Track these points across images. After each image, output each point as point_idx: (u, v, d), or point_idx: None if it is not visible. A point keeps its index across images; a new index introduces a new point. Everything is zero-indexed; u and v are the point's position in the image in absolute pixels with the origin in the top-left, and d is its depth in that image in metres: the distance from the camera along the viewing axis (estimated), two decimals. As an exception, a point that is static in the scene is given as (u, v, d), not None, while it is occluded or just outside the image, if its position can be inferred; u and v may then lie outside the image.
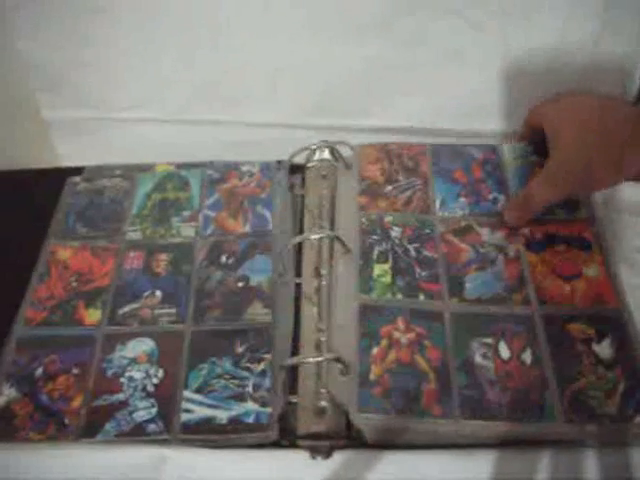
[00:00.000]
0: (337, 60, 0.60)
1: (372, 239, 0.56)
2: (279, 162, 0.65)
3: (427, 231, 0.57)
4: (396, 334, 0.49)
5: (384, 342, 0.49)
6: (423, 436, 0.46)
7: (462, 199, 0.59)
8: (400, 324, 0.50)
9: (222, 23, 0.59)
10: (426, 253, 0.55)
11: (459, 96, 0.63)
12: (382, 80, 0.62)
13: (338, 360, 0.47)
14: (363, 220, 0.58)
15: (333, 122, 0.65)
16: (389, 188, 0.61)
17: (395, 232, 0.57)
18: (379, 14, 0.57)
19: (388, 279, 0.53)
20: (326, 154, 0.64)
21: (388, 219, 0.58)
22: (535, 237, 0.55)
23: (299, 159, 0.64)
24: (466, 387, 0.47)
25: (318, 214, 0.61)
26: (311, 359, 0.48)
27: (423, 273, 0.54)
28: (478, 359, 0.48)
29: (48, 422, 0.47)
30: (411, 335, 0.49)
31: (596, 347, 0.48)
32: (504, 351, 0.48)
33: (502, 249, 0.55)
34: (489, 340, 0.49)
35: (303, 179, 0.65)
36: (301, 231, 0.60)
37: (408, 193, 0.60)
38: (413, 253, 0.55)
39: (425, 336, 0.49)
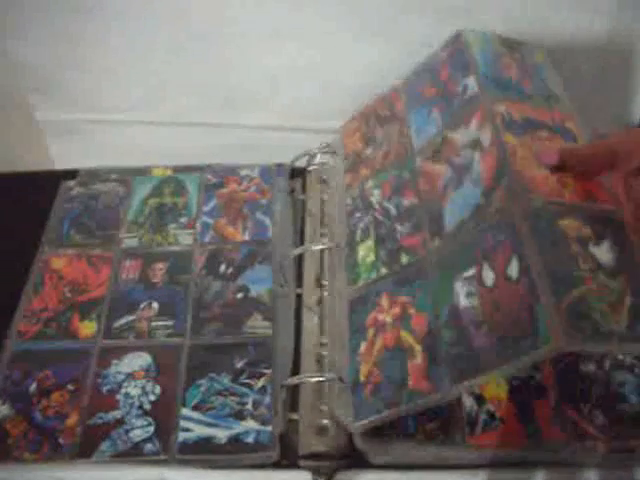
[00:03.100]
0: (339, 63, 0.59)
1: (356, 218, 0.54)
2: (279, 165, 0.64)
3: (405, 175, 0.53)
4: (380, 316, 0.47)
5: (371, 332, 0.47)
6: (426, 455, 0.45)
7: (434, 114, 0.54)
8: (384, 302, 0.48)
9: (221, 24, 0.57)
10: (405, 202, 0.52)
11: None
12: (384, 83, 0.60)
13: (339, 380, 0.46)
14: (348, 201, 0.56)
15: (334, 125, 0.63)
16: (369, 151, 0.58)
17: (375, 197, 0.54)
18: (382, 17, 0.55)
19: (372, 256, 0.51)
20: (327, 158, 0.63)
21: (369, 185, 0.56)
22: (513, 118, 0.48)
23: (299, 162, 0.63)
24: (453, 344, 0.41)
25: (320, 220, 0.59)
26: (312, 379, 0.47)
27: (404, 229, 0.51)
28: (463, 302, 0.42)
29: (42, 441, 0.46)
30: (395, 310, 0.46)
31: (594, 249, 0.39)
32: (488, 276, 0.41)
33: (477, 143, 0.48)
34: (472, 271, 0.42)
35: (304, 183, 0.63)
36: (302, 237, 0.58)
37: (385, 147, 0.57)
38: (393, 211, 0.52)
39: (410, 304, 0.46)
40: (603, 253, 0.39)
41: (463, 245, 0.45)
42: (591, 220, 0.40)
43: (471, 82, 0.52)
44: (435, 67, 0.57)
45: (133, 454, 0.45)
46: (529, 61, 0.55)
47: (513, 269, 0.39)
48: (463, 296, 0.42)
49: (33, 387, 0.49)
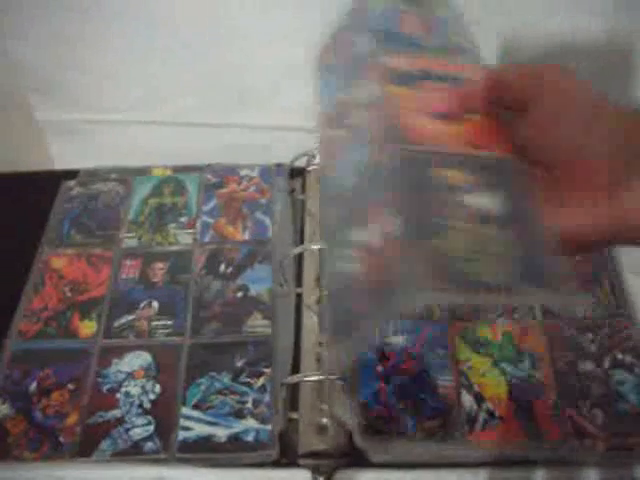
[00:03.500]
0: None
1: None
2: (278, 165, 0.64)
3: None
4: None
5: None
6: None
7: (331, 79, 0.49)
8: None
9: (222, 24, 0.57)
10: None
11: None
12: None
13: (339, 378, 0.46)
14: None
15: (334, 125, 0.63)
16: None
17: None
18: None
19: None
20: (327, 158, 0.63)
21: None
22: (403, 71, 0.43)
23: (299, 162, 0.63)
24: (338, 314, 0.37)
25: (319, 220, 0.59)
26: (311, 377, 0.47)
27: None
28: (349, 268, 0.38)
29: (42, 440, 0.46)
30: None
31: (477, 199, 0.36)
32: (368, 236, 0.37)
33: (366, 101, 0.43)
34: (355, 234, 0.38)
35: (303, 183, 0.63)
36: (302, 237, 0.58)
37: None
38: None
39: None
40: (487, 202, 0.35)
41: (348, 207, 0.41)
42: (477, 169, 0.37)
43: (365, 41, 0.47)
44: (337, 32, 0.51)
45: (133, 453, 0.45)
46: (432, 14, 0.50)
47: (388, 225, 0.35)
48: (348, 262, 0.38)
49: (33, 386, 0.49)
